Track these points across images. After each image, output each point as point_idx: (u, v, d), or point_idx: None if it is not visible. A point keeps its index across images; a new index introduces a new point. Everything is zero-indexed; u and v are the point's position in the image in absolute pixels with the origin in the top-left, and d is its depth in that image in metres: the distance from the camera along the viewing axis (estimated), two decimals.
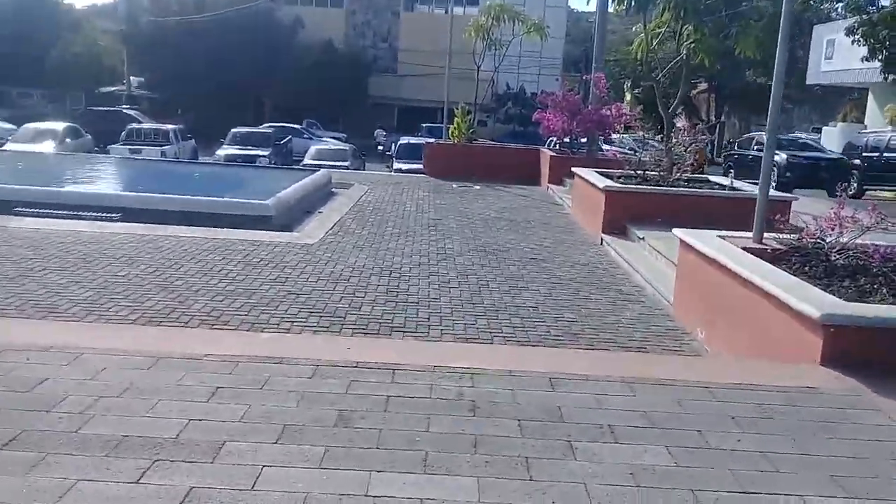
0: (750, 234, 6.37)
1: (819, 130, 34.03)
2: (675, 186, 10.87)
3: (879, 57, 18.65)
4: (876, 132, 21.35)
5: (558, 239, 10.41)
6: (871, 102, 31.38)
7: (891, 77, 19.61)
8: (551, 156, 16.59)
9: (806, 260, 5.68)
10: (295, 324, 5.95)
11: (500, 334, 5.98)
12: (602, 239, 10.08)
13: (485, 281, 7.72)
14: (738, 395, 3.61)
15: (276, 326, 5.84)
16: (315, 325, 5.95)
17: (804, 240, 5.84)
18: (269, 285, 7.01)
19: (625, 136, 21.06)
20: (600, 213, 10.28)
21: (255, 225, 9.49)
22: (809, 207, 12.37)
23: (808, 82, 33.57)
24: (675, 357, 5.09)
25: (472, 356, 4.14)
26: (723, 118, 47.50)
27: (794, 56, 38.54)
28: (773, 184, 18.45)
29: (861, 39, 18.46)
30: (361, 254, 8.63)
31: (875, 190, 19.38)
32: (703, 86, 45.29)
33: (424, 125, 31.93)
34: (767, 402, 3.54)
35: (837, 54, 27.15)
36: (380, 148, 32.04)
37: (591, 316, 6.65)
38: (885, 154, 19.00)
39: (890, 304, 4.51)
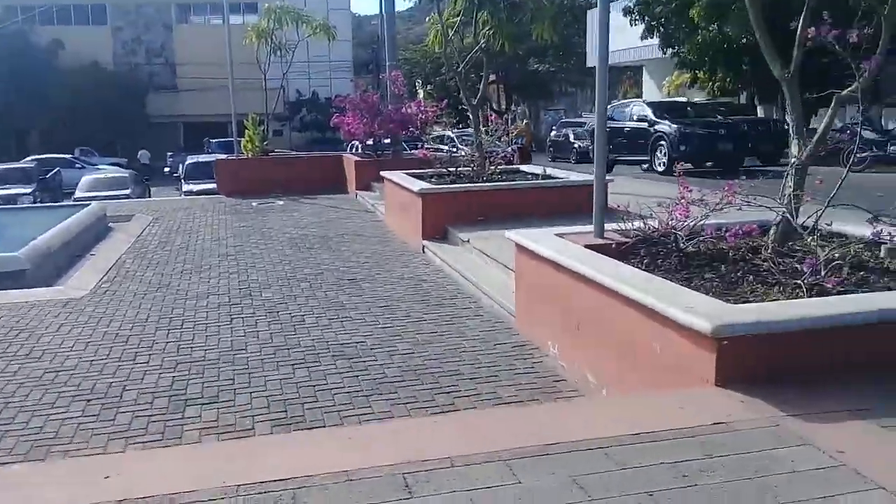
0: (590, 229, 5.73)
1: None
2: (490, 181, 10.25)
3: (656, 34, 19.43)
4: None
5: (376, 252, 9.42)
6: (646, 79, 33.36)
7: (669, 51, 20.55)
8: (356, 161, 15.58)
9: (656, 252, 5.08)
10: (51, 418, 4.49)
11: (325, 387, 4.87)
12: (424, 246, 9.22)
13: (299, 316, 6.56)
14: (642, 454, 2.79)
15: (21, 429, 4.36)
16: (78, 415, 4.52)
17: (651, 229, 5.26)
18: (18, 366, 5.41)
19: (448, 131, 20.45)
20: (418, 218, 9.42)
21: (3, 284, 7.64)
22: (628, 187, 12.33)
23: (587, 65, 35.19)
24: (547, 405, 4.24)
25: (293, 453, 3.02)
26: (513, 107, 48.92)
27: (570, 41, 40.44)
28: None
29: (638, 18, 19.11)
30: (144, 303, 7.13)
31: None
32: (492, 77, 46.36)
33: (213, 140, 29.75)
34: (681, 459, 2.74)
35: (613, 35, 28.37)
36: (166, 170, 29.39)
37: (428, 343, 5.71)
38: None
39: (773, 298, 3.94)
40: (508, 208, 9.39)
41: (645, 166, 19.25)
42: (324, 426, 4.30)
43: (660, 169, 18.51)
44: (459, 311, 6.59)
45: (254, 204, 14.50)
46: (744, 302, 4.01)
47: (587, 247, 5.27)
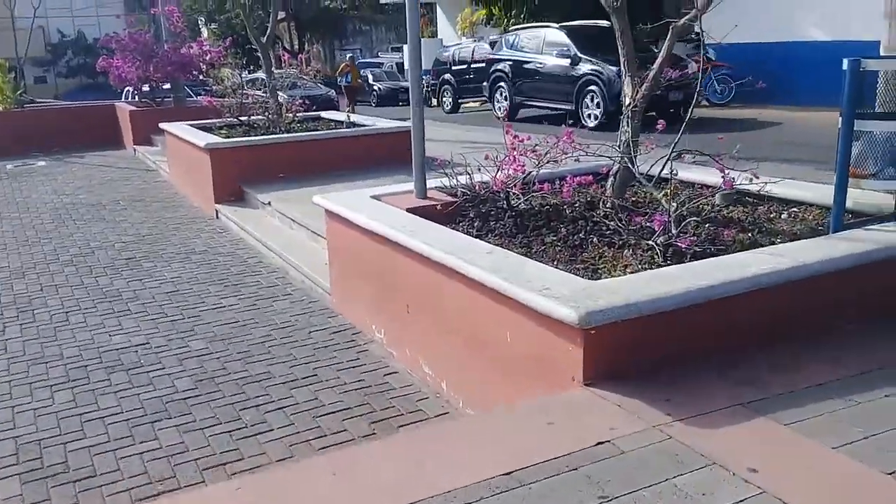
0: (409, 187, 4.98)
1: (399, 49, 34.86)
2: (290, 132, 9.18)
3: None
4: (459, 45, 21.92)
5: (161, 220, 8.12)
6: (440, 16, 32.89)
7: None
8: (131, 111, 13.69)
9: (487, 212, 4.45)
10: None
11: (95, 414, 3.81)
12: (217, 211, 8.06)
13: (61, 314, 5.30)
14: None
15: None
16: None
17: (479, 186, 4.62)
18: None
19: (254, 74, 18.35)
20: (208, 177, 8.20)
21: None
22: (443, 133, 11.72)
23: (381, 2, 34.12)
24: (384, 441, 3.45)
25: None
26: (307, 46, 46.78)
27: None
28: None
29: None
30: None
31: (467, 102, 19.88)
32: (281, 14, 43.80)
33: None
34: None
35: None
36: None
37: (229, 338, 4.75)
38: (471, 66, 19.44)
39: (626, 265, 3.42)
40: (312, 162, 8.45)
41: (571, 121, 16.25)
42: (93, 474, 3.28)
43: (591, 123, 13.32)
44: (265, 291, 5.65)
45: (8, 167, 12.33)
46: (593, 270, 3.48)
47: (409, 211, 4.54)
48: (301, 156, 8.44)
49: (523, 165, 4.46)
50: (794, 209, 4.36)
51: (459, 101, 19.76)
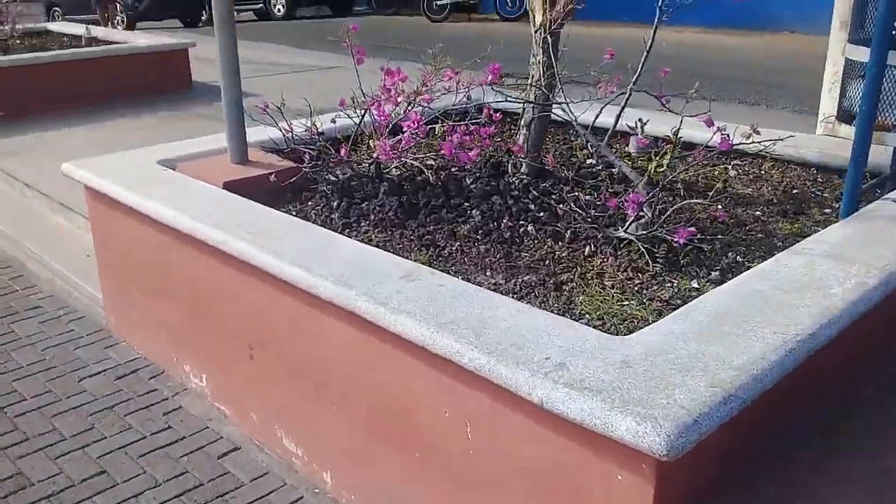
0: (218, 146, 3.37)
1: None
2: (8, 52, 6.77)
3: None
4: None
5: None
6: None
7: None
8: None
9: (347, 185, 3.01)
10: None
11: None
12: None
13: None
14: None
15: None
16: None
17: (327, 142, 3.14)
18: None
19: None
20: None
21: None
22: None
23: None
24: None
25: None
26: None
27: None
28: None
29: None
30: None
31: None
32: None
33: None
34: None
35: None
36: None
37: None
38: None
39: (601, 281, 2.20)
40: (43, 96, 6.26)
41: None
42: None
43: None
44: None
45: None
46: (556, 286, 2.25)
47: (228, 187, 2.97)
48: (26, 87, 6.20)
49: (388, 115, 3.05)
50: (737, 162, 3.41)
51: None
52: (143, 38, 7.33)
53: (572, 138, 3.72)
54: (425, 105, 2.98)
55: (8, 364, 3.22)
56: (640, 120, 3.15)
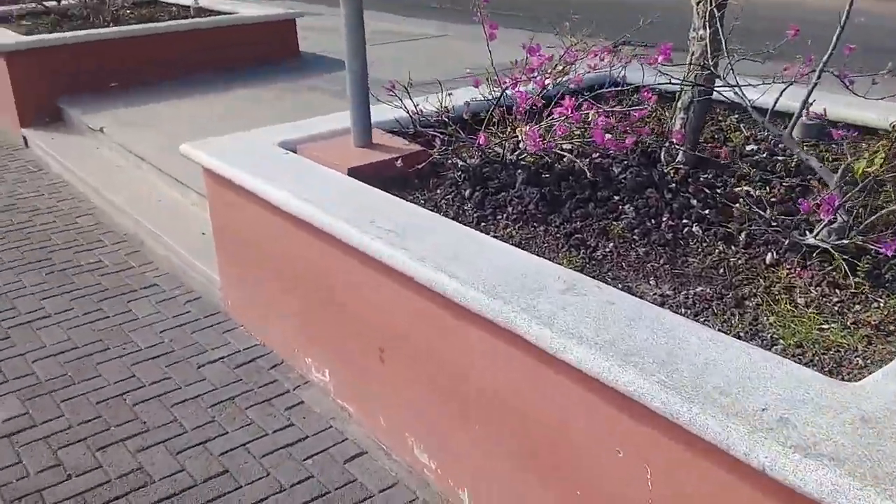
0: (338, 126, 3.18)
1: None
2: (119, 23, 6.81)
3: None
4: None
5: None
6: None
7: None
8: None
9: (477, 173, 2.77)
10: None
11: None
12: (26, 138, 5.77)
13: None
14: None
15: None
16: None
17: (456, 124, 2.90)
18: None
19: None
20: (7, 92, 5.83)
21: None
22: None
23: None
24: None
25: None
26: None
27: None
28: None
29: None
30: None
31: None
32: None
33: None
34: None
35: None
36: None
37: (63, 388, 2.89)
38: None
39: (806, 307, 1.90)
40: (156, 66, 6.27)
41: None
42: None
43: None
44: (111, 280, 3.72)
45: None
46: (735, 303, 1.95)
47: (353, 173, 2.78)
48: (139, 58, 6.20)
49: (529, 97, 2.77)
50: None
51: None
52: (250, 9, 7.25)
53: (719, 118, 3.36)
54: (575, 85, 2.69)
55: (127, 346, 3.16)
56: (808, 101, 2.78)
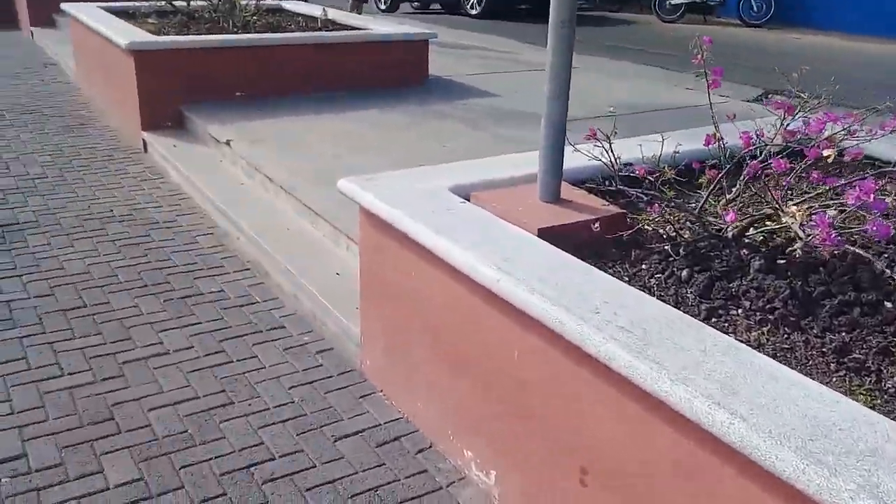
0: (514, 171, 2.74)
1: None
2: (247, 29, 6.59)
3: None
4: None
5: (62, 149, 5.56)
6: None
7: None
8: None
9: (705, 249, 2.28)
10: None
11: None
12: (146, 143, 5.56)
13: None
14: None
15: None
16: None
17: (652, 181, 2.41)
18: None
19: None
20: (132, 91, 5.64)
21: None
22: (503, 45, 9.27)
23: None
24: None
25: None
26: None
27: None
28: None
29: None
30: None
31: None
32: None
33: None
34: None
35: None
36: None
37: (185, 448, 2.51)
38: None
39: None
40: (284, 77, 6.00)
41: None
42: None
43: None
44: (234, 315, 3.36)
45: None
46: None
47: (545, 235, 2.33)
48: (267, 68, 5.95)
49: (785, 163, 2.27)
50: None
51: None
52: (380, 25, 6.94)
53: None
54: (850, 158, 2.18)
55: (253, 402, 2.77)
56: None
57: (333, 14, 7.52)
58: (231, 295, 3.54)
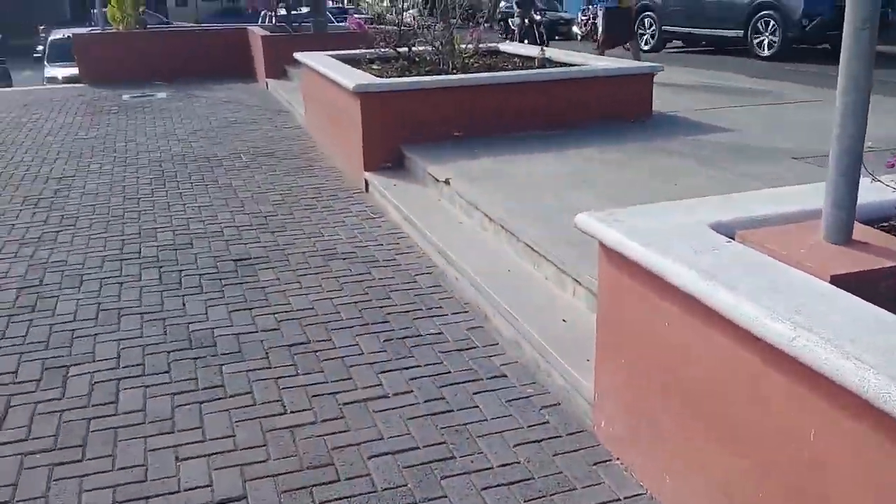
0: (790, 208, 2.31)
1: None
2: (466, 70, 6.60)
3: None
4: None
5: (291, 189, 5.80)
6: None
7: None
8: (263, 37, 11.45)
9: None
10: None
11: None
12: (367, 182, 5.65)
13: (107, 385, 3.04)
14: None
15: None
16: None
17: None
18: None
19: None
20: (356, 132, 5.78)
21: None
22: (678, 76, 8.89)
23: None
24: None
25: None
26: None
27: None
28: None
29: None
30: None
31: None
32: None
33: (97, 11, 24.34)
34: None
35: None
36: (39, 48, 23.87)
37: None
38: None
39: None
40: (502, 117, 5.88)
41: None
42: None
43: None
44: (454, 360, 3.16)
45: (124, 98, 10.45)
46: None
47: (842, 283, 1.88)
48: (485, 108, 5.86)
49: None
50: None
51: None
52: (601, 61, 6.68)
53: None
54: None
55: (475, 459, 2.52)
56: None
57: (551, 52, 7.37)
58: (450, 338, 3.36)
